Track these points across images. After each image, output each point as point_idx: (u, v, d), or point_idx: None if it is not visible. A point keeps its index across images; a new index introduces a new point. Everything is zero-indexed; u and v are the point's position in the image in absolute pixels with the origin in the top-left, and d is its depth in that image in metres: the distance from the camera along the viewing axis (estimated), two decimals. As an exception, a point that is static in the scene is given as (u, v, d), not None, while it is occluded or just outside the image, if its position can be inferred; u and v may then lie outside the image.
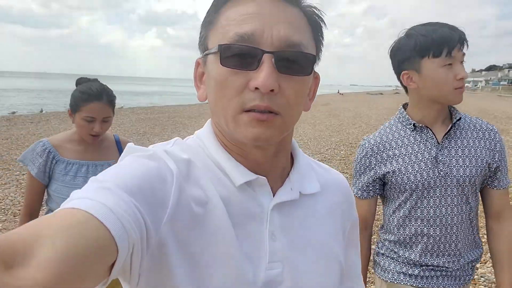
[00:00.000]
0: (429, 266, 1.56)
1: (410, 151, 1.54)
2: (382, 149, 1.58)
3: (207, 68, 0.70)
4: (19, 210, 5.06)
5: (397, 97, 44.10)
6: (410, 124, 1.56)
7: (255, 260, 0.68)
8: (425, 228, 1.53)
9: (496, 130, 1.60)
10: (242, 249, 0.67)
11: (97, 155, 2.04)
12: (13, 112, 18.43)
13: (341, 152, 9.84)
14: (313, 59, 0.68)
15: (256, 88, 0.62)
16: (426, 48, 1.45)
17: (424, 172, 1.51)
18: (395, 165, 1.55)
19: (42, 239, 0.44)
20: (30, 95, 37.58)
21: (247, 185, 0.71)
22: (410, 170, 1.52)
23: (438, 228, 1.53)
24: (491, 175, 1.57)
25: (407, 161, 1.53)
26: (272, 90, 0.62)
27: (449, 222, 1.52)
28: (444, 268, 1.56)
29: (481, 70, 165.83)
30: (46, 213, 2.00)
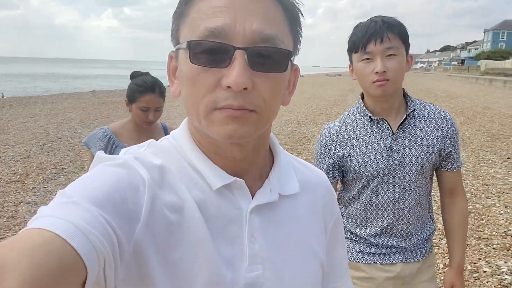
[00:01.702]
0: (384, 245, 1.66)
1: (367, 141, 1.60)
2: (341, 139, 1.64)
3: (179, 63, 0.67)
4: (4, 176, 6.05)
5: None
6: (367, 115, 1.61)
7: (235, 264, 0.67)
8: (379, 212, 1.63)
9: (448, 116, 1.65)
10: (221, 253, 0.66)
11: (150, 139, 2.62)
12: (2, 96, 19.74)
13: (288, 129, 11.03)
14: (289, 54, 0.64)
15: (229, 87, 0.58)
16: (350, 44, 1.57)
17: (380, 162, 1.58)
18: (352, 153, 1.61)
19: (6, 265, 0.43)
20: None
21: (225, 188, 0.68)
22: (367, 160, 1.59)
23: (391, 212, 1.62)
24: (444, 159, 1.65)
25: (364, 151, 1.60)
26: (245, 89, 0.59)
27: (401, 206, 1.62)
28: (398, 247, 1.66)
29: (435, 51, 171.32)
30: None
